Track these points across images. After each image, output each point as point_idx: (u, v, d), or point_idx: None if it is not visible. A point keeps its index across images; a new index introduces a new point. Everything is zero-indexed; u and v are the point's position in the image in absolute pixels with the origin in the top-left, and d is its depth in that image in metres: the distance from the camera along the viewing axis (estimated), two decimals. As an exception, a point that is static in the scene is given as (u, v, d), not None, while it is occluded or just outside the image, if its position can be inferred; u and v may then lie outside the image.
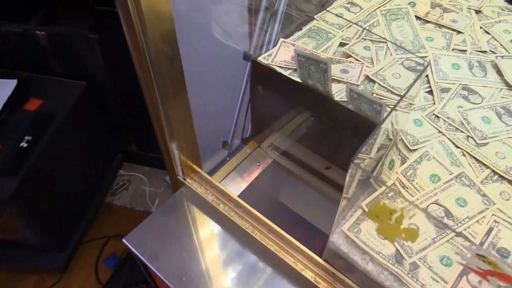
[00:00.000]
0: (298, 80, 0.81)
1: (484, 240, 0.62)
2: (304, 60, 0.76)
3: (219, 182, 0.94)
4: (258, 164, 0.99)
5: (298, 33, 0.91)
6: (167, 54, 0.60)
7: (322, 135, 0.88)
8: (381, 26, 0.91)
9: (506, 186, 0.68)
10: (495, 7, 0.99)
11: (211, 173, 0.96)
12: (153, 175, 1.83)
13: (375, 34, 0.88)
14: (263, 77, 0.88)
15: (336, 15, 0.94)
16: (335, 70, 0.83)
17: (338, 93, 0.79)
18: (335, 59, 0.86)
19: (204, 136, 0.90)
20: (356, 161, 0.50)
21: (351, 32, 0.91)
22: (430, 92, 0.79)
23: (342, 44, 0.89)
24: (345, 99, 0.77)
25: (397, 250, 0.61)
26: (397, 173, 0.69)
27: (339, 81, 0.81)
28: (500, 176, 0.68)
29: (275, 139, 0.99)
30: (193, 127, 0.79)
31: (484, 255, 0.41)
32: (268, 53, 0.87)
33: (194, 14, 1.00)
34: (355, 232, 0.62)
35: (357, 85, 0.80)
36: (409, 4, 0.95)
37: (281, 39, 0.89)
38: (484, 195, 0.66)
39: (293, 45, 0.88)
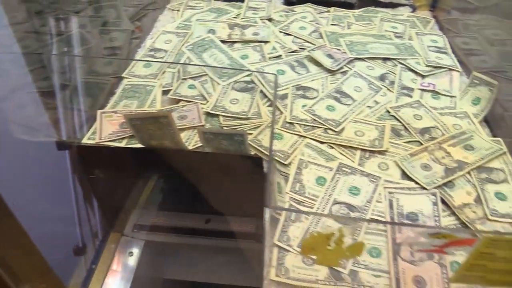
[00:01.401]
0: (140, 145, 0.71)
1: (392, 214, 0.62)
2: (139, 123, 0.66)
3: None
4: (131, 253, 0.84)
5: (113, 99, 0.81)
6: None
7: (189, 191, 0.79)
8: (194, 62, 0.88)
9: (380, 158, 0.70)
10: (280, 12, 1.05)
11: (83, 292, 0.77)
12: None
13: (198, 66, 0.84)
14: (98, 158, 0.75)
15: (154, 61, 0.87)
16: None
17: (189, 141, 0.72)
18: (166, 109, 0.78)
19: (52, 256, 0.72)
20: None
21: (168, 77, 0.85)
22: (272, 105, 0.78)
23: (165, 92, 0.82)
24: (200, 144, 0.70)
25: (330, 268, 0.56)
26: (287, 193, 0.64)
27: (183, 130, 0.73)
28: (369, 151, 0.70)
29: (137, 219, 0.86)
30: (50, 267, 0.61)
31: (437, 232, 0.39)
32: (90, 131, 0.75)
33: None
34: (284, 274, 0.55)
35: (203, 125, 0.74)
36: (209, 32, 0.94)
37: (99, 112, 0.77)
38: (368, 175, 0.66)
39: (115, 112, 0.77)
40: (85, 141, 0.73)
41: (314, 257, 0.48)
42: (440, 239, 0.40)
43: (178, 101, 0.80)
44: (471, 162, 0.68)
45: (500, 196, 0.64)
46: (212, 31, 0.94)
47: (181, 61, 0.88)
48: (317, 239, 0.42)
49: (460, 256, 0.55)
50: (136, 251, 0.85)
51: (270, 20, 1.00)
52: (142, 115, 0.66)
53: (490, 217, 0.61)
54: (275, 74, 0.64)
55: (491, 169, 0.68)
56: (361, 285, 0.55)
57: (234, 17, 1.01)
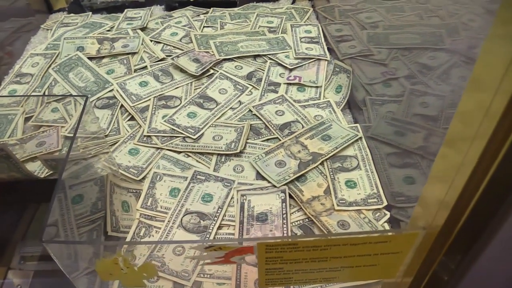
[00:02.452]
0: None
1: (242, 217, 0.62)
2: (-23, 158, 0.64)
3: None
4: (19, 286, 0.82)
5: (-27, 133, 0.78)
6: None
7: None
8: (60, 83, 0.85)
9: (236, 160, 0.69)
10: (157, 19, 1.03)
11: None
12: None
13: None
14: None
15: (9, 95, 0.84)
16: (31, 148, 0.73)
17: (43, 168, 0.70)
18: (26, 137, 0.76)
19: None
20: (45, 238, 0.42)
21: (33, 102, 0.82)
22: (133, 118, 0.77)
23: (28, 119, 0.80)
24: (52, 171, 0.68)
25: (174, 282, 0.56)
26: (137, 210, 0.63)
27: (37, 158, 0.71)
28: (225, 155, 0.70)
29: (25, 250, 0.84)
30: None
31: (211, 244, 0.39)
32: None
33: None
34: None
35: (60, 150, 0.72)
36: (77, 50, 0.92)
37: (-48, 149, 0.74)
38: (222, 179, 0.66)
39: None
40: None
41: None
42: (217, 251, 0.40)
43: (39, 126, 0.78)
44: (325, 153, 0.69)
45: (350, 184, 0.65)
46: (81, 48, 0.92)
47: (47, 84, 0.85)
48: (104, 265, 0.42)
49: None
50: (24, 283, 0.83)
51: (143, 29, 0.98)
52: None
53: (336, 207, 0.62)
54: (86, 96, 0.62)
55: (345, 157, 0.69)
56: (203, 295, 0.55)
57: (108, 30, 0.99)
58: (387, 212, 0.62)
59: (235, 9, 1.07)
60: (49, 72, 0.88)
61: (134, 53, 0.90)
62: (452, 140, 0.37)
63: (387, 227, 0.61)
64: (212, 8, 1.07)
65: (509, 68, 0.29)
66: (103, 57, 0.90)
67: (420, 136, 0.72)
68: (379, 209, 0.62)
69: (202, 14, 1.05)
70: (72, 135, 0.74)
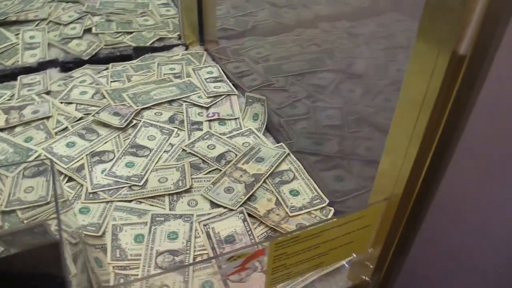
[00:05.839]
0: None
1: (212, 244, 0.66)
2: None
3: None
4: None
5: None
6: None
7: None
8: (-29, 161, 0.80)
9: (188, 196, 0.74)
10: (58, 81, 1.02)
11: None
12: None
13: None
14: None
15: None
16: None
17: (-13, 250, 0.65)
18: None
19: None
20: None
21: None
22: (71, 179, 0.76)
23: None
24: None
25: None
26: (109, 263, 0.64)
27: (-23, 239, 0.67)
28: (176, 193, 0.74)
29: None
30: None
31: (232, 256, 0.44)
32: None
33: None
34: None
35: (1, 227, 0.68)
36: (-20, 125, 0.87)
37: None
38: (180, 216, 0.70)
39: None
40: None
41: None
42: (236, 260, 0.45)
43: (-37, 210, 0.72)
44: (264, 172, 0.78)
45: (294, 193, 0.75)
46: (-16, 122, 0.87)
47: (-44, 165, 0.79)
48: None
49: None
50: None
51: (48, 93, 0.97)
52: None
53: (290, 214, 0.71)
54: (50, 160, 0.63)
55: (282, 172, 0.79)
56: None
57: (8, 100, 0.95)
58: (331, 208, 0.73)
59: (134, 61, 1.11)
60: (-46, 152, 0.82)
61: (48, 117, 0.88)
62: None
63: (334, 220, 0.71)
64: (111, 64, 1.09)
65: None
66: (14, 126, 0.87)
67: (334, 142, 0.85)
68: (324, 207, 0.73)
69: (103, 70, 1.07)
70: (9, 208, 0.71)
